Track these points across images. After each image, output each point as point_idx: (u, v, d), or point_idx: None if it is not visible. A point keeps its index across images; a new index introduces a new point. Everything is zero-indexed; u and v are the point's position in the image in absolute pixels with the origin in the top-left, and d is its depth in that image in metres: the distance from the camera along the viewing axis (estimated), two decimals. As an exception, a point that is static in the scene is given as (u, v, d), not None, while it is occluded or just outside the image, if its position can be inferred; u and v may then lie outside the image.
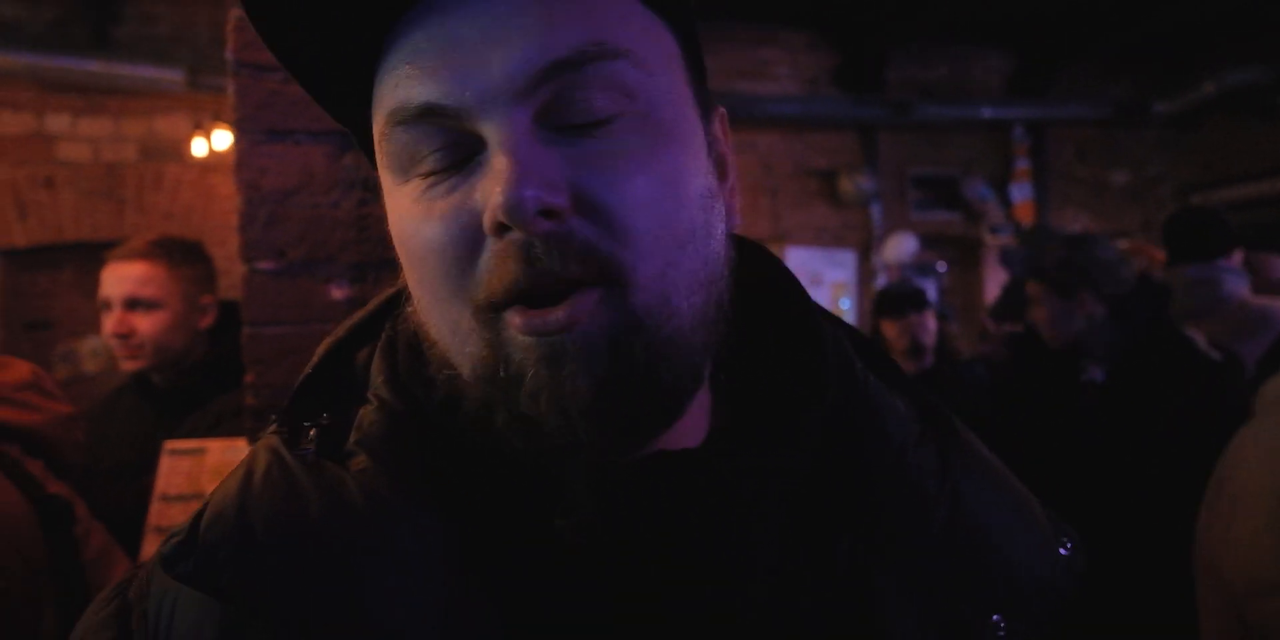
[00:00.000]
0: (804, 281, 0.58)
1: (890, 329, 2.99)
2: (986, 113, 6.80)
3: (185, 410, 1.93)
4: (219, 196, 5.62)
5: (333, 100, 0.51)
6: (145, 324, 1.89)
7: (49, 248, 5.32)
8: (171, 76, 5.16)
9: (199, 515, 0.47)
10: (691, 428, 0.50)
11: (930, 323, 2.95)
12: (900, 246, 6.40)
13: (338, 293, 1.30)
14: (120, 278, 1.90)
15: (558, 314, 0.42)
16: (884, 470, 0.52)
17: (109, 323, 1.90)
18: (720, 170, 0.52)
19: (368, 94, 0.48)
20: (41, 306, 5.41)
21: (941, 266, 7.11)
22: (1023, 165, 7.07)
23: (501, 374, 0.43)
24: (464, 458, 0.49)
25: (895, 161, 6.94)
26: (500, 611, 0.45)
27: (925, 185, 7.06)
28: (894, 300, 3.02)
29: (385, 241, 1.43)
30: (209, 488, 1.67)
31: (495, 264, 0.42)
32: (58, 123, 5.36)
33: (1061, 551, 0.55)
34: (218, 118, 5.27)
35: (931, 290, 6.68)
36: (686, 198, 0.46)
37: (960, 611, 0.51)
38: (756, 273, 0.56)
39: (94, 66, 5.10)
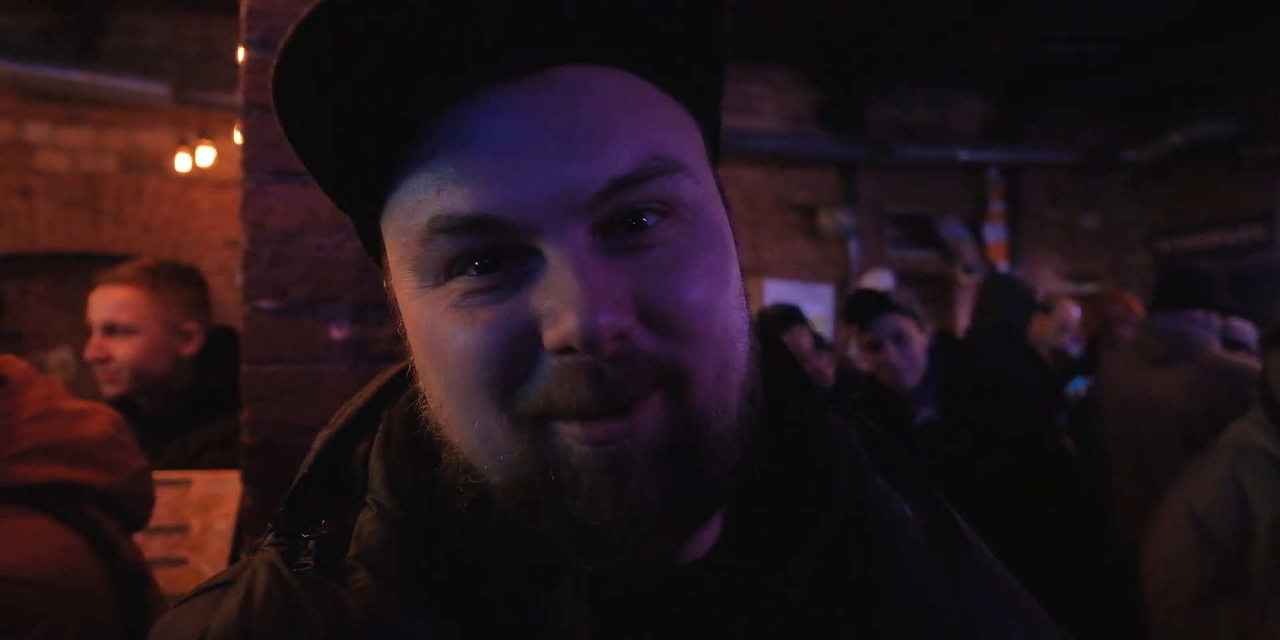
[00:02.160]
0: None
1: None
2: (963, 155, 6.97)
3: (168, 437, 1.91)
4: (199, 211, 5.58)
5: (341, 189, 0.48)
6: (121, 349, 1.88)
7: (22, 257, 5.24)
8: (156, 90, 5.14)
9: (202, 637, 0.46)
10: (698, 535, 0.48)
11: (804, 340, 3.00)
12: (876, 282, 6.49)
13: (338, 333, 1.31)
14: (101, 302, 1.90)
15: (620, 425, 0.41)
16: (890, 583, 0.50)
17: (88, 347, 1.89)
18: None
19: (379, 185, 0.46)
20: (11, 317, 5.31)
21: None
22: (996, 207, 7.24)
23: (552, 479, 0.42)
24: (463, 568, 0.47)
25: (874, 199, 7.06)
26: None
27: (902, 223, 7.19)
28: (770, 320, 3.05)
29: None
30: (193, 520, 1.66)
31: (560, 382, 0.41)
32: (37, 132, 5.31)
33: None
34: (203, 133, 5.25)
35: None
36: (732, 296, 0.46)
37: None
38: (767, 362, 0.53)
39: (78, 77, 5.07)
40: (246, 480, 1.27)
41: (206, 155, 5.29)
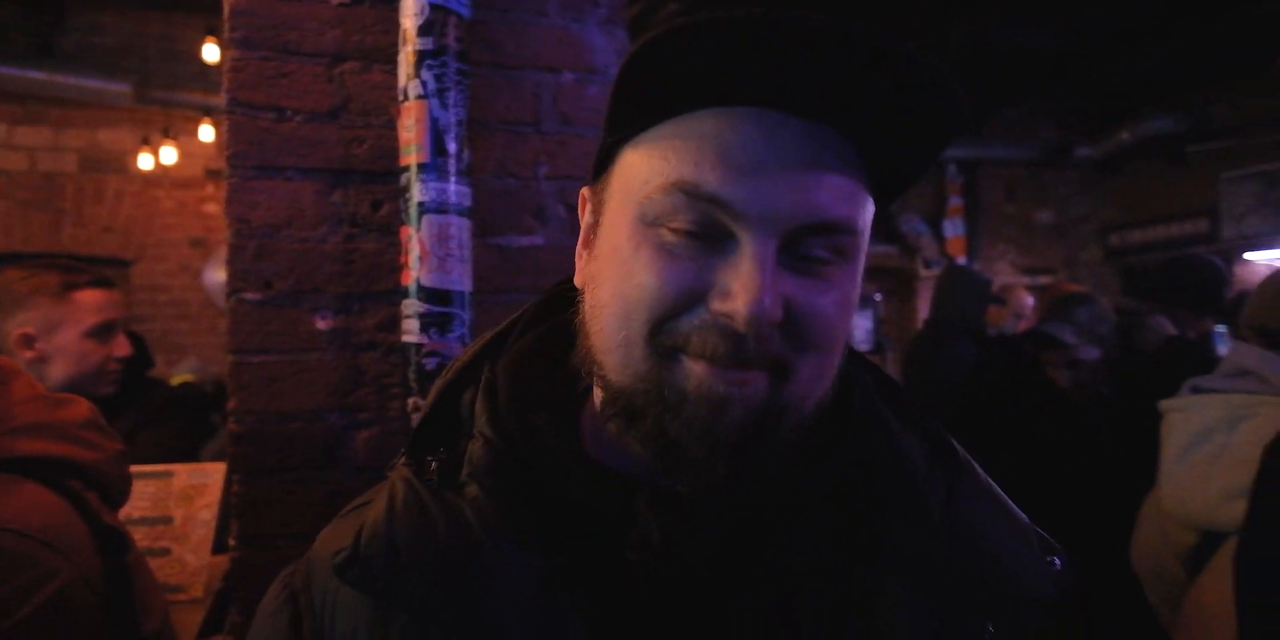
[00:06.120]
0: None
1: None
2: (922, 151, 7.11)
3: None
4: (161, 210, 5.52)
5: (624, 116, 0.58)
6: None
7: (-21, 258, 5.16)
8: (118, 89, 5.06)
9: (359, 533, 0.59)
10: None
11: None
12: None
13: (322, 323, 1.35)
14: (116, 303, 1.93)
15: (740, 375, 0.53)
16: (897, 497, 0.62)
17: (121, 346, 1.91)
18: None
19: (648, 122, 0.57)
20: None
21: (878, 297, 7.37)
22: (955, 202, 7.41)
23: (663, 395, 0.54)
24: (553, 487, 0.59)
25: (836, 195, 7.18)
26: (585, 624, 0.55)
27: (864, 219, 7.33)
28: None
29: (370, 275, 1.47)
30: (176, 511, 1.69)
31: (703, 332, 0.53)
32: (-7, 131, 5.23)
33: (1052, 567, 0.64)
34: (166, 133, 5.21)
35: (866, 321, 6.93)
36: (849, 319, 0.58)
37: (957, 614, 0.59)
38: None
39: (37, 75, 4.98)
40: (234, 467, 1.31)
41: (170, 154, 5.24)
